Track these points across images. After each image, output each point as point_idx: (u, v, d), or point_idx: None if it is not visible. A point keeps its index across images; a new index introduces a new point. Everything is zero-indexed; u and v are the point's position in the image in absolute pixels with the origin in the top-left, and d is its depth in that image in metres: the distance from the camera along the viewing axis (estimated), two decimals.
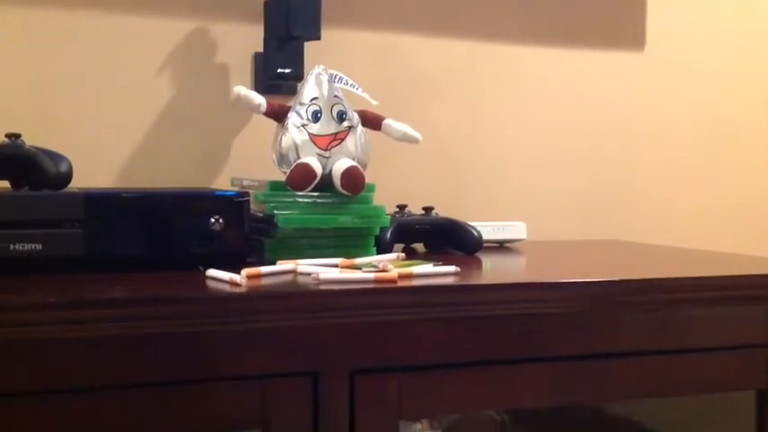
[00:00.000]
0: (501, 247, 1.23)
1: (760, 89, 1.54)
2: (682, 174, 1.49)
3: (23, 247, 0.82)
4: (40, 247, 0.83)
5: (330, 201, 0.99)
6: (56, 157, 0.88)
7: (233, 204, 0.91)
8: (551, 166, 1.41)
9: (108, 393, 0.73)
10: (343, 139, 1.01)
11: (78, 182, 0.92)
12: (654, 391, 0.92)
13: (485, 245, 1.13)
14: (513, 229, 1.23)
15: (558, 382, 0.88)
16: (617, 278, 0.89)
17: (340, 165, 0.99)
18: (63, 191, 0.88)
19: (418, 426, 1.06)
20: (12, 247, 0.82)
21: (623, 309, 0.90)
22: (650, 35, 1.47)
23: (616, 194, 1.45)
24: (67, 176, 0.88)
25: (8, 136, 0.89)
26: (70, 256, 0.84)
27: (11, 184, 0.90)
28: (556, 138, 1.41)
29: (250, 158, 1.20)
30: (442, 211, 1.16)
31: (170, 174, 1.19)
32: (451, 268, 0.89)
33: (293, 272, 0.87)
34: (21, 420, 0.71)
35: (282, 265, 0.88)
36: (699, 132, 1.50)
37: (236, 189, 1.02)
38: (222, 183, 1.21)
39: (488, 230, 1.19)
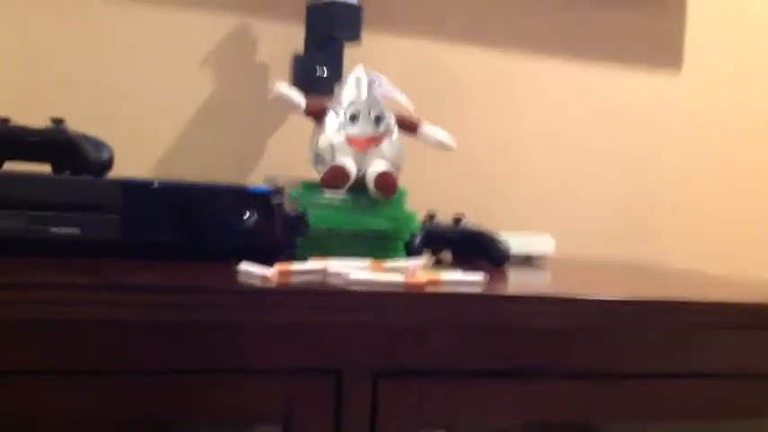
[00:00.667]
0: (528, 261, 1.23)
1: None
2: (715, 195, 1.49)
3: (61, 230, 0.84)
4: (78, 231, 0.84)
5: (362, 203, 0.99)
6: (98, 145, 0.90)
7: (267, 201, 0.92)
8: (582, 181, 1.41)
9: (134, 377, 0.74)
10: (379, 143, 1.02)
11: (117, 171, 0.94)
12: (674, 414, 0.92)
13: (512, 258, 1.13)
14: (540, 244, 1.23)
15: (581, 398, 0.87)
16: (644, 298, 0.89)
17: (374, 168, 1.00)
18: (103, 178, 0.89)
19: None
20: (51, 229, 0.84)
21: (649, 329, 0.89)
22: (688, 55, 1.47)
23: (647, 213, 1.45)
24: (108, 164, 0.90)
25: (53, 120, 0.91)
26: (107, 241, 0.85)
27: (52, 168, 0.92)
28: (587, 153, 1.41)
29: (285, 157, 1.22)
30: (472, 218, 1.16)
31: (206, 168, 1.20)
32: (479, 277, 0.89)
33: (323, 271, 0.88)
34: (44, 398, 0.72)
35: (313, 264, 0.89)
36: (734, 154, 1.50)
37: (271, 187, 1.03)
38: (256, 180, 1.22)
39: (516, 243, 1.19)
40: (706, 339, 0.92)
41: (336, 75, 1.20)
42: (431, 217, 1.14)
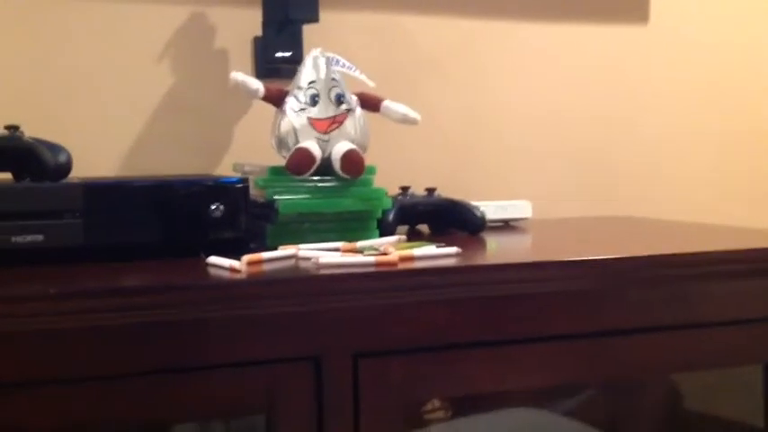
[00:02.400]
0: (506, 226, 1.23)
1: (766, 59, 1.52)
2: (689, 146, 1.48)
3: (25, 238, 0.83)
4: (41, 238, 0.83)
5: (331, 184, 0.98)
6: (55, 148, 0.88)
7: (233, 191, 0.91)
8: (555, 143, 1.40)
9: (111, 382, 0.73)
10: (341, 122, 1.01)
11: (79, 171, 0.92)
12: (663, 367, 0.92)
13: (489, 224, 1.13)
14: (517, 208, 1.23)
15: (564, 360, 0.87)
16: (621, 255, 0.88)
17: (339, 148, 0.99)
18: (63, 181, 0.88)
19: (440, 414, 1.06)
20: (13, 238, 0.82)
21: (629, 286, 0.89)
22: (654, 8, 1.45)
23: (622, 170, 1.44)
24: (67, 167, 0.89)
25: (7, 128, 0.89)
26: (71, 247, 0.84)
27: (13, 176, 0.90)
28: (559, 114, 1.40)
29: (252, 144, 1.20)
30: (446, 191, 1.16)
31: (171, 161, 1.19)
32: (453, 249, 0.88)
33: (294, 257, 0.87)
34: (23, 410, 0.71)
35: (283, 251, 0.88)
36: (705, 104, 1.49)
37: (238, 175, 1.02)
38: (224, 169, 1.21)
39: (492, 210, 1.18)
40: (686, 291, 0.92)
41: (298, 57, 1.19)
42: (403, 191, 1.14)
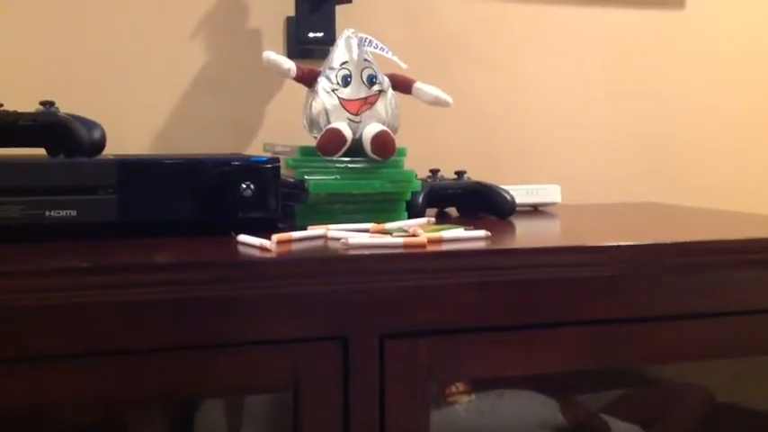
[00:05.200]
0: (535, 210, 1.22)
1: None
2: (722, 134, 1.46)
3: (58, 213, 0.84)
4: (74, 213, 0.84)
5: (361, 166, 0.98)
6: (89, 125, 0.89)
7: (263, 170, 0.91)
8: (586, 128, 1.39)
9: (140, 357, 0.74)
10: (373, 104, 1.01)
11: (111, 149, 0.93)
12: (693, 355, 0.91)
13: (518, 209, 1.12)
14: (546, 193, 1.22)
15: (593, 345, 0.87)
16: (651, 242, 0.88)
17: (370, 129, 0.99)
18: (96, 158, 0.89)
19: (464, 397, 1.06)
20: (47, 213, 0.83)
21: (656, 272, 0.88)
22: None
23: (654, 156, 1.42)
24: (101, 143, 0.90)
25: (42, 104, 0.90)
26: (104, 222, 0.85)
27: (47, 151, 0.91)
28: (590, 99, 1.39)
29: (283, 124, 1.20)
30: (475, 174, 1.15)
31: (203, 140, 1.20)
32: (482, 233, 0.88)
33: (323, 237, 0.88)
34: (54, 383, 0.72)
35: (313, 231, 0.88)
36: (739, 92, 1.47)
37: (269, 155, 1.03)
38: (256, 149, 1.21)
39: (522, 194, 1.18)
40: (716, 279, 0.91)
41: (330, 37, 1.19)
42: (433, 174, 1.13)
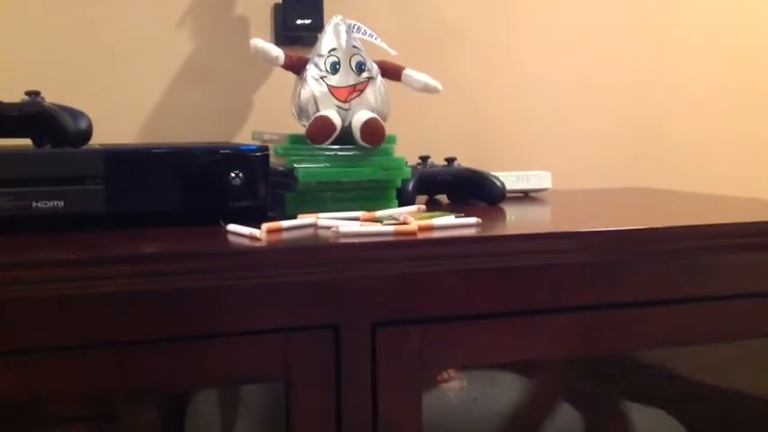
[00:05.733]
0: (525, 196, 1.22)
1: None
2: (712, 117, 1.46)
3: (46, 204, 0.83)
4: (62, 204, 0.83)
5: (350, 153, 0.98)
6: (75, 114, 0.88)
7: (253, 159, 0.90)
8: (577, 114, 1.39)
9: (130, 349, 0.74)
10: (362, 91, 1.00)
11: (99, 138, 0.92)
12: (678, 339, 0.91)
13: (509, 195, 1.12)
14: (537, 179, 1.22)
15: (582, 332, 0.87)
16: (639, 226, 0.87)
17: (360, 117, 0.98)
18: (83, 147, 0.88)
19: (456, 384, 1.07)
20: (34, 204, 0.83)
21: (645, 258, 0.88)
22: None
23: (644, 141, 1.43)
24: (87, 133, 0.89)
25: (28, 93, 0.89)
26: (92, 213, 0.84)
27: (33, 141, 0.91)
28: (582, 86, 1.39)
29: (272, 112, 1.20)
30: (466, 161, 1.15)
31: (190, 129, 1.19)
32: (473, 220, 0.88)
33: (314, 225, 0.87)
34: (41, 376, 0.72)
35: (303, 219, 0.88)
36: (730, 74, 1.47)
37: (257, 143, 1.02)
38: (243, 137, 1.20)
39: (512, 180, 1.17)
40: (702, 264, 0.91)
41: (318, 24, 1.18)
42: (423, 161, 1.13)
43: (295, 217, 0.89)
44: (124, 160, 0.87)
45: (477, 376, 1.09)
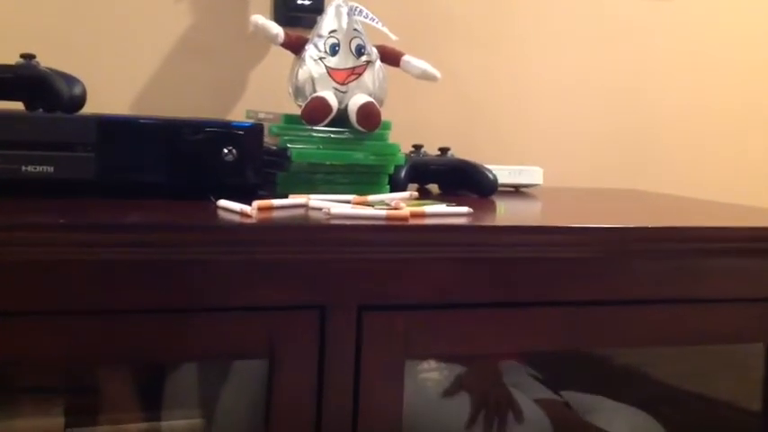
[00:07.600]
0: (516, 191, 1.22)
1: None
2: (703, 122, 1.47)
3: (35, 168, 0.82)
4: (51, 169, 0.82)
5: (345, 136, 0.97)
6: (70, 80, 0.87)
7: (246, 136, 0.90)
8: (570, 111, 1.39)
9: (113, 317, 0.73)
10: (360, 74, 1.00)
11: (92, 107, 0.91)
12: (663, 339, 0.92)
13: (500, 189, 1.12)
14: (529, 174, 1.22)
15: (568, 326, 0.87)
16: (631, 225, 0.88)
17: (356, 100, 0.97)
18: (76, 114, 0.87)
19: (425, 365, 1.07)
20: (24, 168, 0.82)
21: (636, 256, 0.89)
22: None
23: (636, 142, 1.43)
24: (81, 99, 0.88)
25: (23, 56, 0.88)
26: (82, 180, 0.83)
27: (25, 105, 0.90)
28: (577, 84, 1.39)
29: (267, 91, 1.19)
30: (458, 152, 1.15)
31: (185, 103, 1.18)
32: (464, 209, 0.88)
33: (305, 206, 0.87)
34: (25, 340, 0.71)
35: (294, 199, 0.87)
36: (722, 79, 1.47)
37: (251, 121, 1.01)
38: (237, 115, 1.19)
39: (504, 174, 1.17)
40: (690, 266, 0.91)
41: (318, 5, 1.17)
42: (416, 149, 1.13)
43: (286, 197, 0.88)
44: (117, 129, 0.86)
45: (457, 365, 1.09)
